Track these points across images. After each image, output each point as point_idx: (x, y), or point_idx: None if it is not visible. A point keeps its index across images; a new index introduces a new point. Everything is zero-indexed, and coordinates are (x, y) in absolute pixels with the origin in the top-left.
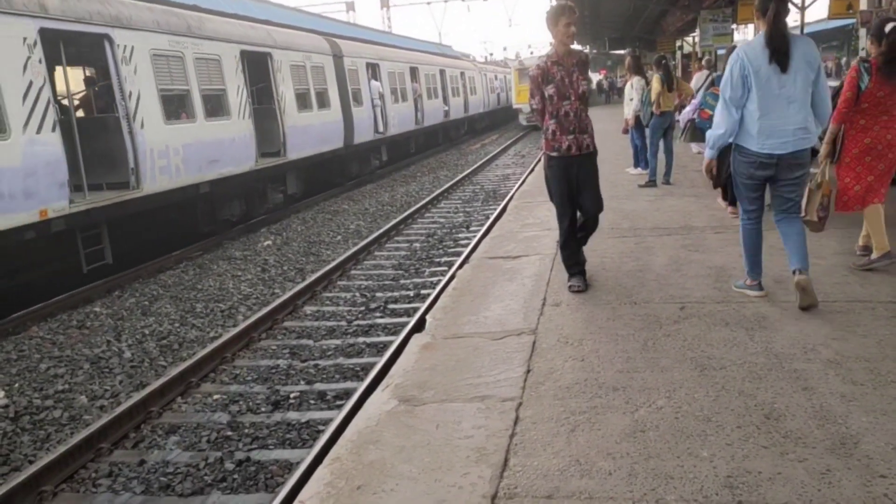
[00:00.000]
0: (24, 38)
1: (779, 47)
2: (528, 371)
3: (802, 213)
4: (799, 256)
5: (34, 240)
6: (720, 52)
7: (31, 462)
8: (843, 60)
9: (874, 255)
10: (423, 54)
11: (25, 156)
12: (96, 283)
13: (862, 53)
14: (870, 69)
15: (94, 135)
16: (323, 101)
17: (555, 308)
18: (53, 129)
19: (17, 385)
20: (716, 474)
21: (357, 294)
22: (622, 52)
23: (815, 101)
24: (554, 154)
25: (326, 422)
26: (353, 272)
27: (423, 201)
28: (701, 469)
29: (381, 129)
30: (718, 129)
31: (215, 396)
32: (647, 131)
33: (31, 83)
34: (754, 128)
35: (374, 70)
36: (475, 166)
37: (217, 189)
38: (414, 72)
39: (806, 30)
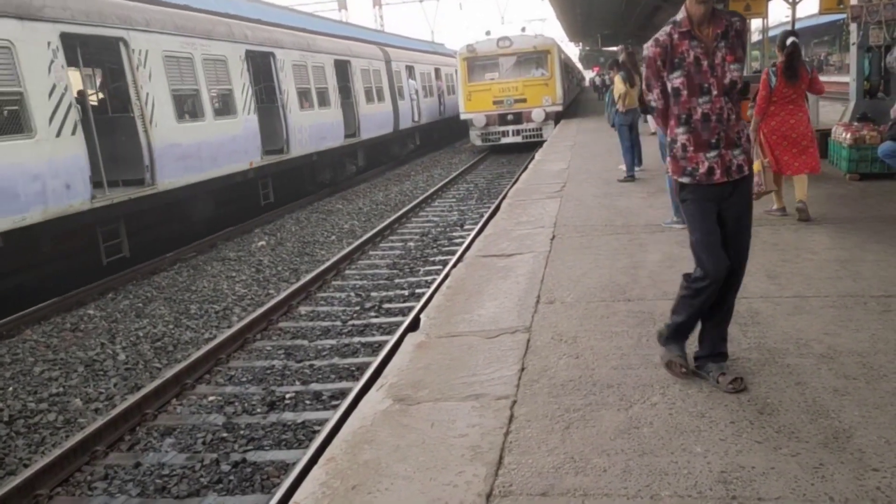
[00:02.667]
0: (49, 43)
1: None
2: (523, 369)
3: (763, 187)
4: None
5: (60, 234)
6: None
7: (25, 466)
8: (828, 57)
9: (797, 204)
10: (443, 56)
11: (52, 155)
12: (89, 286)
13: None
14: (776, 73)
15: (110, 134)
16: (380, 96)
17: (549, 305)
18: (75, 130)
19: (10, 389)
20: (710, 469)
21: (352, 294)
22: (615, 48)
23: None
24: (686, 181)
25: (322, 422)
26: (347, 272)
27: (419, 198)
28: (695, 465)
29: (416, 118)
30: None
31: (210, 398)
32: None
33: (54, 86)
34: None
35: (410, 71)
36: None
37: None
38: (437, 71)
39: (797, 25)
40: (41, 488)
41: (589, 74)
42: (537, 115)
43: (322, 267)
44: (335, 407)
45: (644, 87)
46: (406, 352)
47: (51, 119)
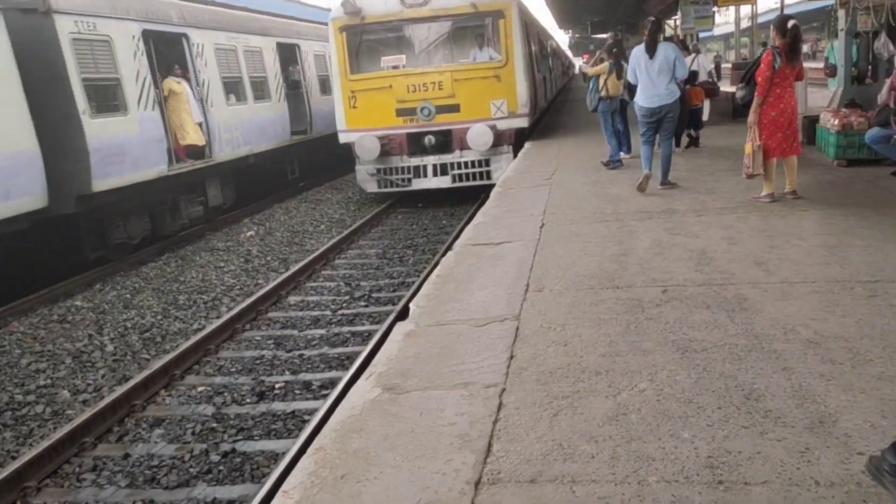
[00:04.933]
0: (134, 36)
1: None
2: (512, 357)
3: (750, 170)
4: (663, 170)
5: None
6: (701, 35)
7: (14, 458)
8: (818, 43)
9: (783, 191)
10: (307, 24)
11: (141, 128)
12: (76, 277)
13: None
14: (780, 54)
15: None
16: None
17: (538, 294)
18: (154, 108)
19: None
20: (697, 455)
21: (341, 283)
22: (604, 35)
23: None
24: None
25: (312, 412)
26: (337, 261)
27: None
28: (682, 450)
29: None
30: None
31: (200, 388)
32: (599, 116)
33: (138, 71)
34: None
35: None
36: None
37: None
38: (295, 51)
39: (786, 11)
40: (29, 480)
41: (578, 62)
42: (479, 136)
43: (311, 256)
44: (325, 396)
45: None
46: (395, 341)
47: (139, 99)
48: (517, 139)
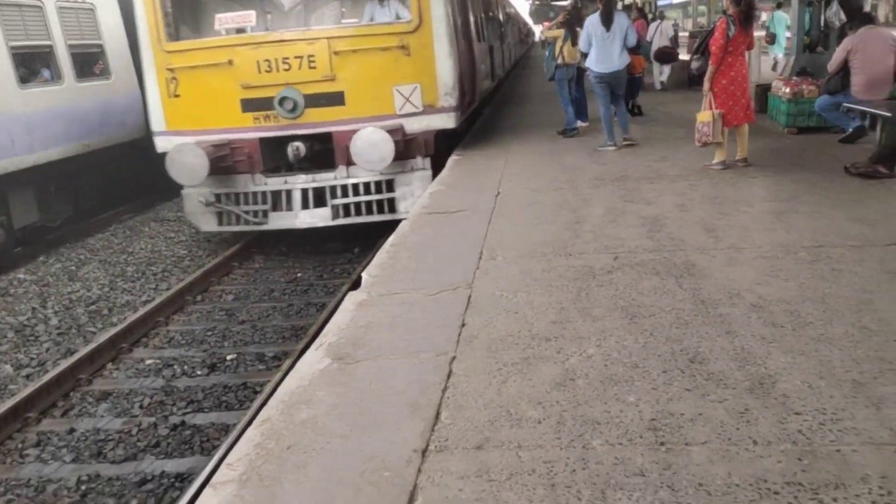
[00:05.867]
0: None
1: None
2: (463, 325)
3: (709, 138)
4: (624, 128)
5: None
6: (660, 3)
7: None
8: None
9: (734, 159)
10: None
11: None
12: (19, 249)
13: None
14: (735, 22)
15: None
16: None
17: (491, 262)
18: None
19: None
20: (641, 418)
21: (295, 253)
22: (565, 2)
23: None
24: None
25: (265, 384)
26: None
27: None
28: (627, 414)
29: None
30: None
31: (148, 361)
32: (556, 84)
33: None
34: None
35: None
36: None
37: None
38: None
39: None
40: None
41: (539, 30)
42: (370, 145)
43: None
44: (278, 368)
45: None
46: (347, 310)
47: None
48: (440, 146)
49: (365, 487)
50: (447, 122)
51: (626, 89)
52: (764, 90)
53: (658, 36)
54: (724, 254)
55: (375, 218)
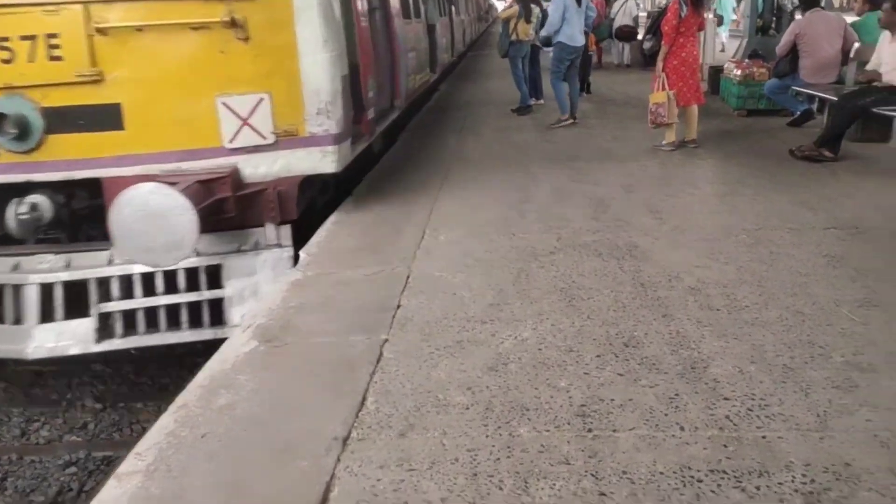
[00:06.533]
0: None
1: None
2: (399, 306)
3: (665, 118)
4: (575, 106)
5: None
6: None
7: None
8: None
9: (683, 140)
10: None
11: None
12: None
13: None
14: (686, 2)
15: None
16: None
17: (433, 241)
18: None
19: None
20: (570, 404)
21: None
22: None
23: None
24: None
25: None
26: None
27: None
28: (557, 399)
29: None
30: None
31: None
32: (510, 62)
33: None
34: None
35: None
36: None
37: None
38: None
39: None
40: None
41: (501, 6)
42: (153, 220)
43: None
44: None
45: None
46: (279, 291)
47: None
48: (314, 203)
49: (279, 479)
50: (322, 162)
51: (582, 67)
52: (716, 72)
53: (621, 14)
54: (666, 236)
55: (184, 336)
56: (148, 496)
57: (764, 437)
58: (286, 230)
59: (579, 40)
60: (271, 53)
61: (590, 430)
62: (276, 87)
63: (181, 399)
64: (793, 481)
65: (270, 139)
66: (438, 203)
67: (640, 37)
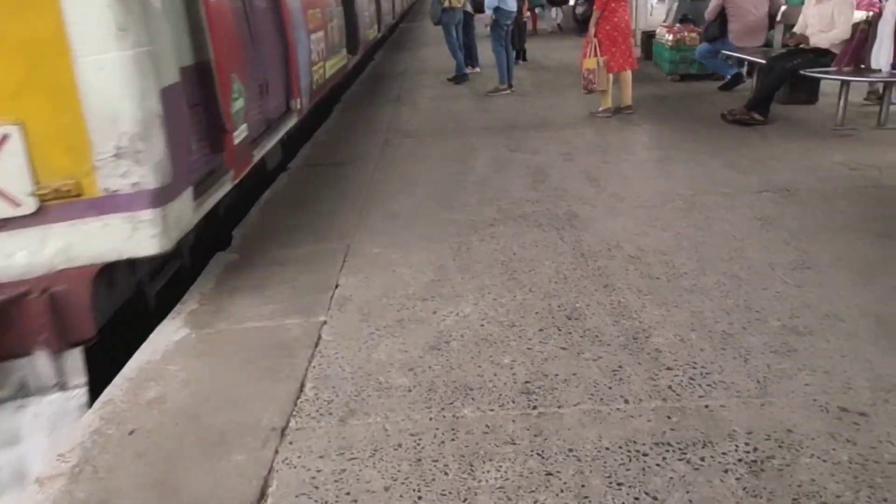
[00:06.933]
0: None
1: None
2: (337, 286)
3: (595, 86)
4: (511, 73)
5: None
6: None
7: None
8: None
9: (619, 106)
10: None
11: None
12: None
13: None
14: None
15: None
16: None
17: (370, 217)
18: None
19: None
20: (514, 381)
21: None
22: None
23: None
24: None
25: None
26: None
27: None
28: (500, 377)
29: None
30: None
31: None
32: (443, 29)
33: None
34: None
35: None
36: None
37: None
38: None
39: None
40: None
41: None
42: None
43: None
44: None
45: None
46: (212, 273)
47: None
48: (141, 293)
49: (213, 475)
50: (133, 239)
51: (516, 34)
52: (649, 37)
53: None
54: (605, 204)
55: None
56: (72, 501)
57: (707, 407)
58: (75, 357)
59: (513, 5)
60: (17, 52)
61: (534, 408)
62: (33, 113)
63: (107, 394)
64: (736, 450)
65: (28, 206)
66: (375, 177)
67: (571, 2)
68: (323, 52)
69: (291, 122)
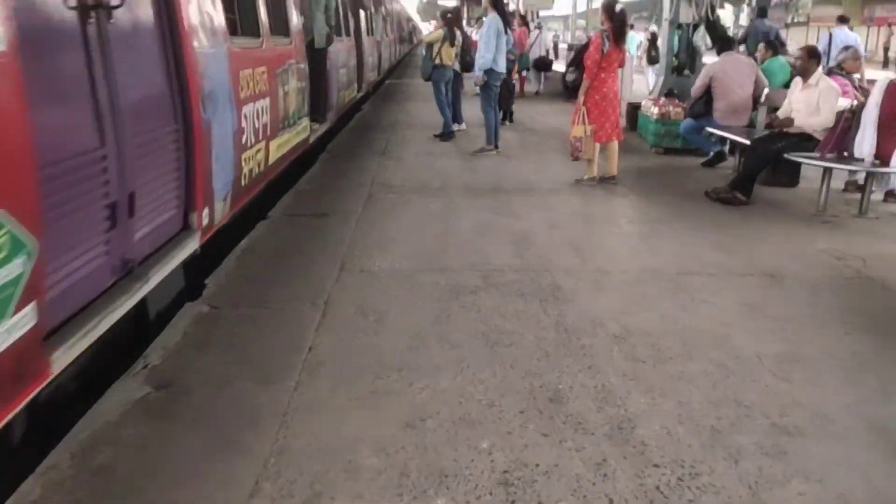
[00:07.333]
0: None
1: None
2: (310, 349)
3: (582, 154)
4: (497, 134)
5: None
6: (542, 13)
7: None
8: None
9: (604, 176)
10: None
11: None
12: None
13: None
14: (609, 37)
15: None
16: None
17: (350, 274)
18: None
19: None
20: (493, 469)
21: None
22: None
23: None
24: None
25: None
26: None
27: None
28: (478, 464)
29: None
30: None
31: None
32: (433, 86)
33: None
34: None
35: None
36: None
37: None
38: None
39: None
40: None
41: (427, 28)
42: None
43: None
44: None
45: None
46: (179, 326)
47: None
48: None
49: None
50: None
51: (504, 96)
52: (634, 109)
53: (537, 46)
54: (590, 276)
55: None
56: None
57: None
58: None
59: (503, 67)
60: None
61: (513, 502)
62: None
63: (52, 458)
64: None
65: None
66: (356, 232)
67: (556, 66)
68: (264, 130)
69: (189, 246)
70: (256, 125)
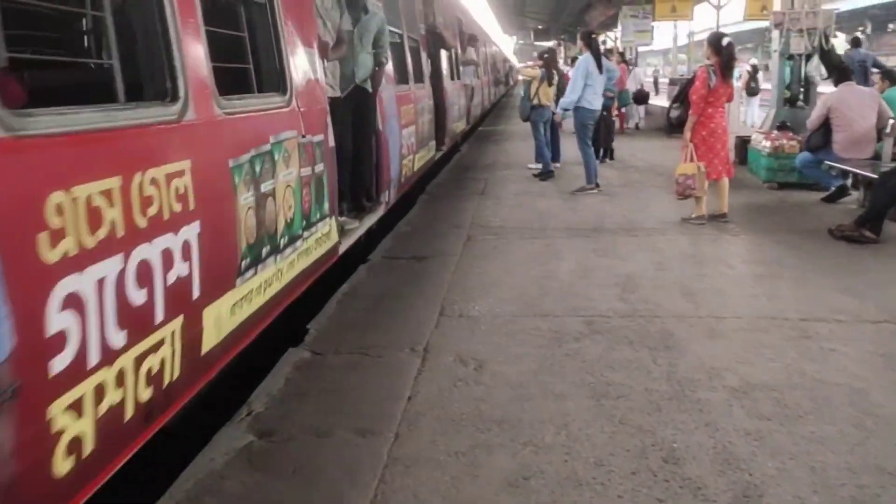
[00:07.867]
0: None
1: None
2: (409, 398)
3: (695, 191)
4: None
5: None
6: (641, 49)
7: None
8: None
9: (714, 213)
10: None
11: None
12: None
13: (706, 61)
14: (715, 72)
15: None
16: None
17: (450, 319)
18: None
19: None
20: None
21: None
22: (548, 43)
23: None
24: None
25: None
26: None
27: None
28: None
29: None
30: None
31: None
32: (532, 126)
33: None
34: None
35: None
36: None
37: None
38: None
39: (722, 29)
40: None
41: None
42: None
43: None
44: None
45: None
46: (281, 373)
47: None
48: None
49: None
50: None
51: (604, 133)
52: (743, 142)
53: (631, 81)
54: (703, 323)
55: None
56: None
57: None
58: None
59: (597, 104)
60: None
61: None
62: None
63: None
64: None
65: None
66: (455, 276)
67: (656, 101)
68: (413, 146)
69: (379, 211)
70: (410, 142)
